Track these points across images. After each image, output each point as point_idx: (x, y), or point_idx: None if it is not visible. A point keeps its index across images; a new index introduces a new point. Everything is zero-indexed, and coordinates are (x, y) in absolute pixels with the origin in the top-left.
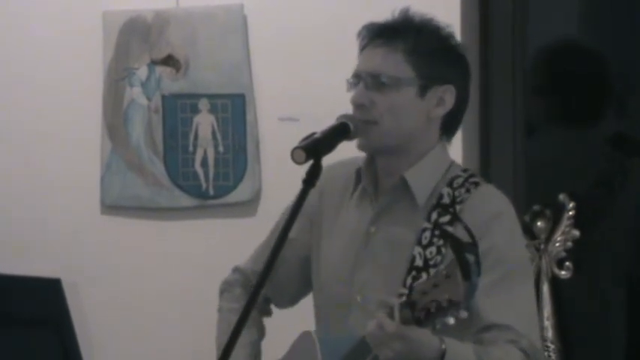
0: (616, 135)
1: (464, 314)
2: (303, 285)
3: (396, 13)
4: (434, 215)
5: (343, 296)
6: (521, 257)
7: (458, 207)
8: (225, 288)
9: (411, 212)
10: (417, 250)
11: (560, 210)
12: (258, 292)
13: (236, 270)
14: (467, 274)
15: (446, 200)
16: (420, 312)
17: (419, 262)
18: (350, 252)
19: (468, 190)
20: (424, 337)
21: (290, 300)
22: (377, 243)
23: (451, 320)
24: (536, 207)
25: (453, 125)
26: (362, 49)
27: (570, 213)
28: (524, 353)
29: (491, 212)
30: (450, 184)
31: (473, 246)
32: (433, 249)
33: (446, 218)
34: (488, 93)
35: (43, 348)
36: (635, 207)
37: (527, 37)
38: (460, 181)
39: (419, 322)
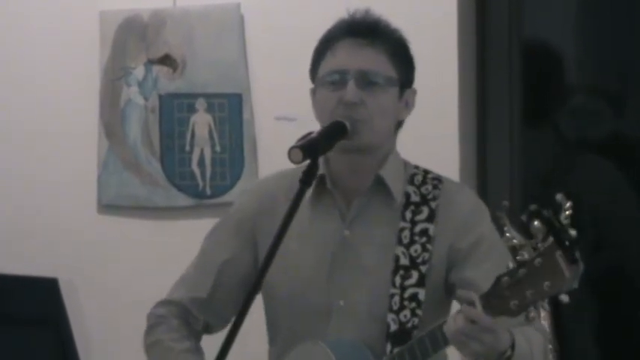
0: (612, 136)
1: (566, 298)
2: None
3: (358, 14)
4: (408, 214)
5: (321, 304)
6: (502, 243)
7: (433, 204)
8: (159, 321)
9: (387, 212)
10: (400, 249)
11: (557, 210)
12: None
13: (165, 303)
14: (573, 256)
15: (415, 198)
16: (513, 301)
17: (404, 262)
18: (323, 258)
19: (435, 187)
20: (501, 328)
21: (226, 322)
22: (356, 245)
23: (545, 305)
24: (532, 206)
25: (400, 126)
26: (332, 45)
27: (567, 213)
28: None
29: (470, 206)
30: (411, 182)
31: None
32: (417, 247)
33: (422, 216)
34: (485, 93)
35: (40, 347)
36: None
37: (523, 35)
38: (420, 178)
39: (509, 313)
